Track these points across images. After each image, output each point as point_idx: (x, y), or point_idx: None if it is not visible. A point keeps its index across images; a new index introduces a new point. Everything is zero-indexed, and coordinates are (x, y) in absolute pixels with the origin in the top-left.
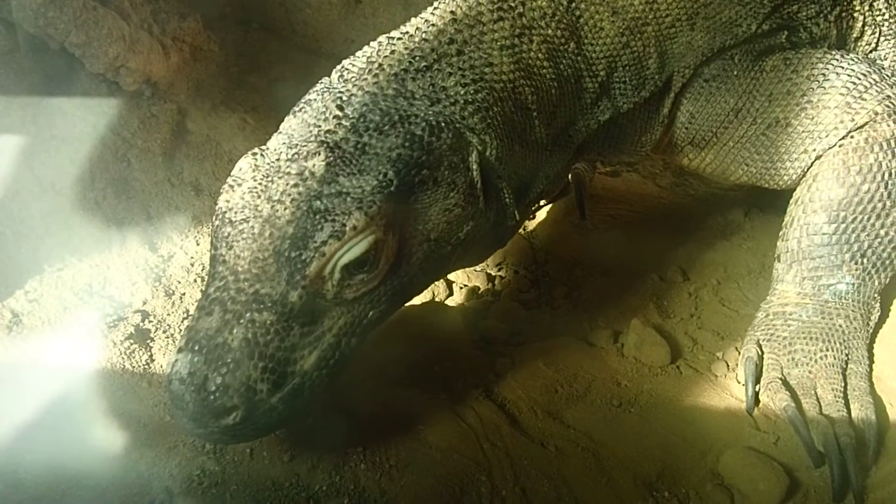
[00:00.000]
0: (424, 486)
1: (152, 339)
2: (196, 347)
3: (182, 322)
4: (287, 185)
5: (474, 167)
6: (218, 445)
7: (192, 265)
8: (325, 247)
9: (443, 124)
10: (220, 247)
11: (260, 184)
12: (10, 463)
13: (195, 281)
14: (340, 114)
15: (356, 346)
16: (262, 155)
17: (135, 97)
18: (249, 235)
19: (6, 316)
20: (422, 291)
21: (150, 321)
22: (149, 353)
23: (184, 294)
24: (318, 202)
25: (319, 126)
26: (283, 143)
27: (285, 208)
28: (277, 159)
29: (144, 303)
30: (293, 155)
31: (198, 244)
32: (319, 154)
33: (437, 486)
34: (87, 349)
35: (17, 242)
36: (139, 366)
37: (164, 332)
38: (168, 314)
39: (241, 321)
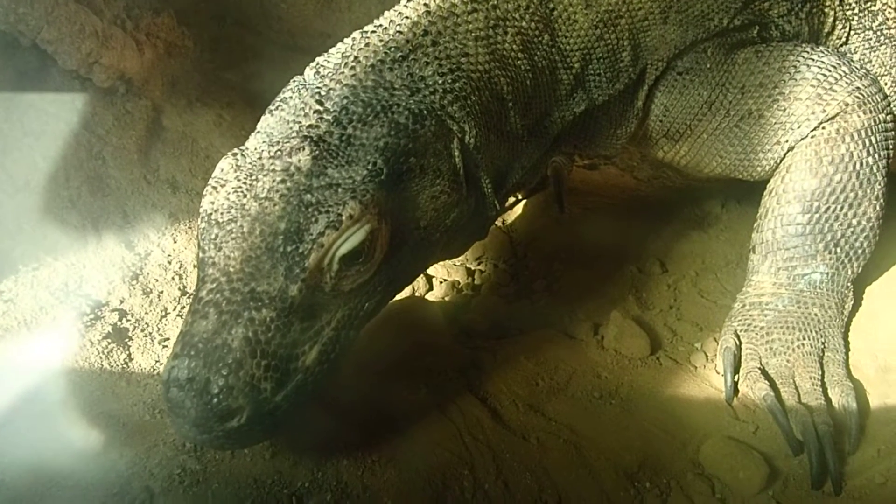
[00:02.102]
0: (407, 480)
1: (130, 338)
2: (193, 351)
3: (160, 321)
4: (273, 181)
5: (456, 154)
6: (221, 450)
7: (170, 263)
8: (322, 238)
9: (425, 112)
10: (208, 249)
11: (244, 183)
12: None
13: (173, 279)
14: (321, 108)
15: (354, 339)
16: (242, 155)
17: (109, 94)
18: (239, 235)
19: None
20: (412, 281)
21: (128, 320)
22: (127, 352)
23: (161, 292)
24: (309, 195)
25: (300, 122)
26: (264, 142)
27: (274, 205)
28: (259, 158)
29: (122, 301)
30: (276, 152)
31: (175, 242)
32: (304, 149)
33: (419, 481)
34: (64, 349)
35: None
36: (117, 365)
37: (143, 330)
38: (146, 313)
39: (240, 321)
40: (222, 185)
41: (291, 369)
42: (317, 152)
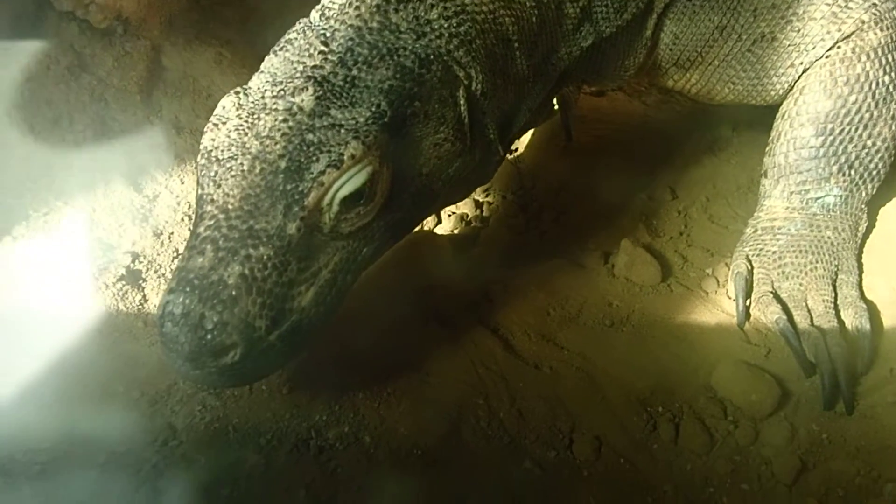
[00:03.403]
0: (423, 411)
1: (144, 280)
2: (188, 287)
3: (172, 262)
4: (276, 120)
5: (462, 103)
6: (213, 389)
7: (178, 204)
8: (323, 176)
9: (431, 57)
10: (207, 186)
11: (245, 121)
12: (19, 411)
13: (182, 220)
14: (326, 49)
15: (351, 284)
16: (244, 94)
17: (107, 35)
18: (238, 172)
19: None
20: (412, 229)
21: (140, 262)
22: (142, 294)
23: (172, 234)
24: (311, 135)
25: (304, 62)
26: (267, 82)
27: (276, 143)
28: (262, 97)
29: (133, 244)
30: (279, 91)
31: (182, 183)
32: (307, 89)
33: (434, 411)
34: (79, 292)
35: (1, 189)
36: (133, 306)
37: (155, 272)
38: (158, 254)
39: (237, 258)
40: (223, 123)
41: (287, 309)
42: (320, 93)
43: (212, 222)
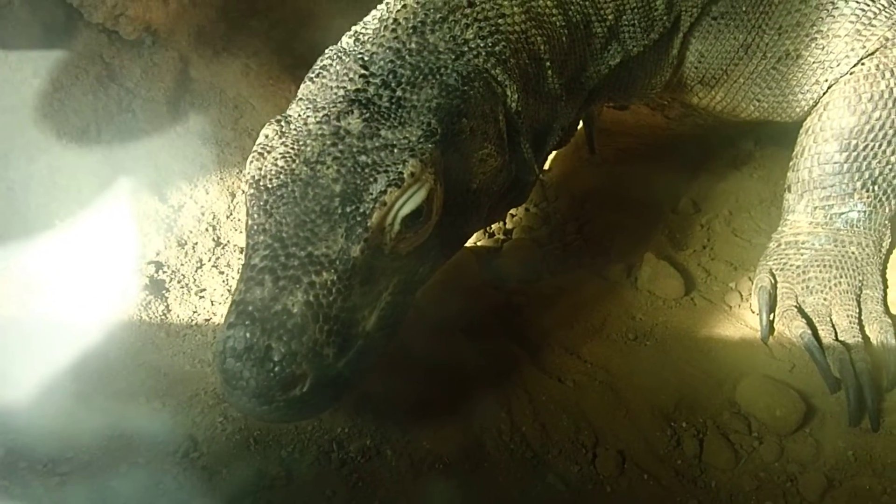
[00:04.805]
0: (445, 424)
1: (167, 290)
2: (249, 320)
3: (195, 272)
4: (324, 145)
5: (501, 118)
6: (281, 422)
7: (203, 214)
8: (384, 196)
9: (472, 74)
10: (258, 215)
11: (292, 148)
12: (40, 421)
13: (206, 230)
14: (367, 72)
15: (409, 305)
16: (286, 122)
17: (135, 46)
18: (290, 200)
19: (20, 272)
20: (461, 246)
21: (164, 272)
22: (165, 304)
23: (196, 244)
24: (364, 157)
25: (345, 87)
26: (308, 108)
27: (327, 167)
28: (305, 124)
29: (157, 254)
30: (322, 117)
31: (207, 193)
32: (353, 112)
33: (457, 424)
34: (103, 302)
35: (27, 197)
36: (156, 316)
37: (179, 282)
38: (182, 264)
39: (300, 285)
40: (268, 152)
41: (352, 335)
42: (367, 115)
43: (267, 252)
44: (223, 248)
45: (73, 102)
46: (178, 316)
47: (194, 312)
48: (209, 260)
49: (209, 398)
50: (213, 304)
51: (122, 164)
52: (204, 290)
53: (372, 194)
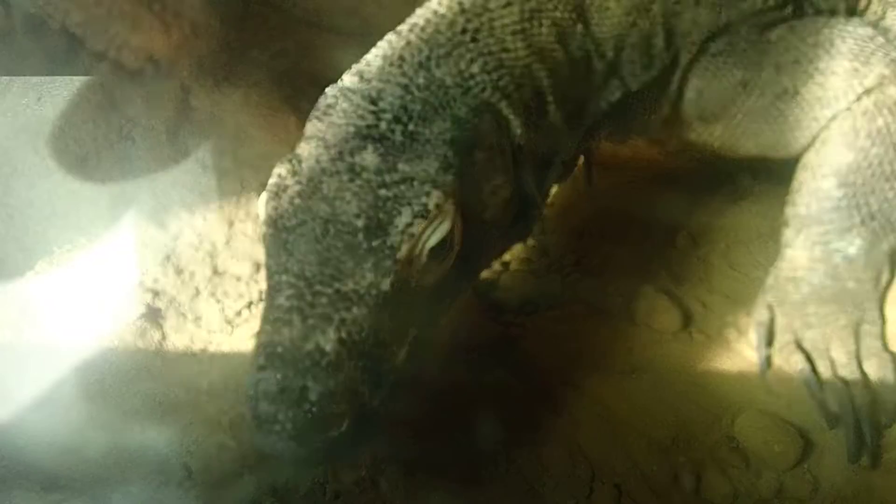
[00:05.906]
0: (441, 455)
1: (164, 318)
2: (280, 361)
3: (192, 300)
4: (341, 181)
5: (507, 150)
6: (318, 466)
7: (201, 243)
8: (412, 228)
9: (481, 107)
10: (278, 255)
11: (307, 187)
12: (33, 448)
13: (204, 259)
14: (376, 108)
15: (432, 338)
16: (297, 161)
17: (137, 75)
18: (312, 238)
19: (18, 298)
20: (476, 279)
21: (161, 299)
22: (161, 332)
23: (193, 272)
24: (384, 190)
25: (356, 123)
26: (318, 146)
27: (347, 203)
28: (317, 162)
29: (155, 281)
30: (336, 154)
31: (205, 221)
32: (367, 148)
33: (453, 456)
34: (98, 329)
35: (26, 224)
36: (152, 344)
37: (176, 309)
38: (178, 292)
39: (331, 323)
40: (283, 191)
41: (385, 371)
42: (381, 150)
43: (292, 291)
44: (220, 276)
45: (74, 130)
46: (174, 344)
47: (191, 341)
48: (206, 288)
49: (204, 427)
50: (209, 333)
51: (121, 191)
52: (200, 318)
53: (398, 227)
